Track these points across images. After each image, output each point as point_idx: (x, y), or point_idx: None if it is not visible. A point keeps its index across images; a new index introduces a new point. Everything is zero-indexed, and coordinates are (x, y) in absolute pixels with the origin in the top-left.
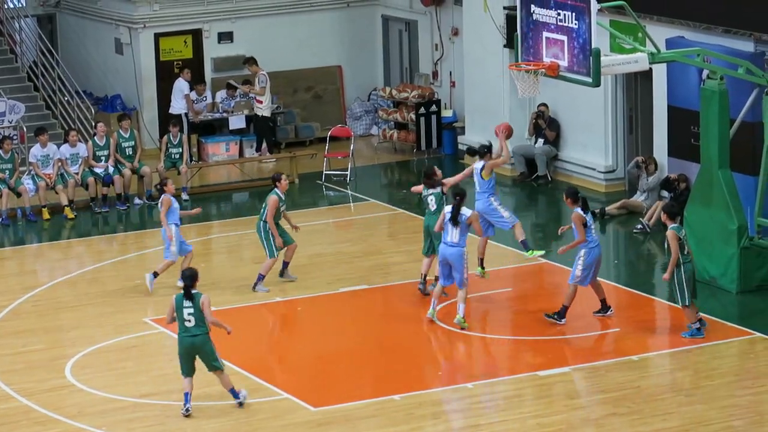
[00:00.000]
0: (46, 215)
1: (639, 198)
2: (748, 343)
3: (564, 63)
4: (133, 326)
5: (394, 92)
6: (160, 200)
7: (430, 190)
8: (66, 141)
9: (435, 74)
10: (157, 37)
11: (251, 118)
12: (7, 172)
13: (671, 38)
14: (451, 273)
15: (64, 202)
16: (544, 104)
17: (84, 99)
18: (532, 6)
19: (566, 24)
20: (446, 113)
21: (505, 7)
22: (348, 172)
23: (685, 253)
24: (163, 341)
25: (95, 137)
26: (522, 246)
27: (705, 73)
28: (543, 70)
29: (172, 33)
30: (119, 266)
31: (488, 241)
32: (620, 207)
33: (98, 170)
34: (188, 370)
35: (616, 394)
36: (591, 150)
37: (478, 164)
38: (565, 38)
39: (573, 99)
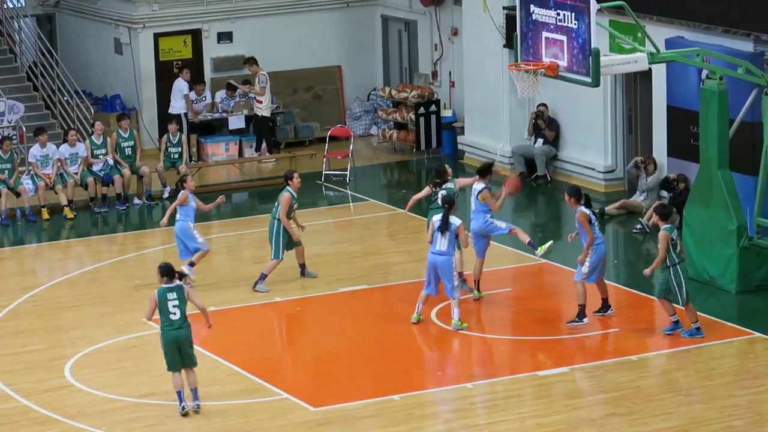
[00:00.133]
0: (45, 215)
1: (638, 198)
2: (747, 343)
3: (563, 63)
4: (133, 326)
5: (393, 92)
6: (177, 197)
7: (444, 186)
8: (65, 141)
9: (434, 74)
10: (157, 37)
11: (251, 118)
12: (7, 172)
13: (671, 38)
14: (436, 281)
15: (64, 202)
16: (544, 104)
17: (83, 99)
18: (532, 6)
19: (566, 24)
20: (446, 113)
21: (504, 7)
22: (347, 172)
23: (678, 252)
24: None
25: (92, 136)
26: (531, 247)
27: (704, 73)
28: (542, 70)
29: (171, 33)
30: (119, 266)
31: (490, 241)
32: (620, 207)
33: (97, 167)
34: (176, 365)
35: (616, 394)
36: (590, 150)
37: (478, 185)
38: (564, 38)
39: (572, 99)
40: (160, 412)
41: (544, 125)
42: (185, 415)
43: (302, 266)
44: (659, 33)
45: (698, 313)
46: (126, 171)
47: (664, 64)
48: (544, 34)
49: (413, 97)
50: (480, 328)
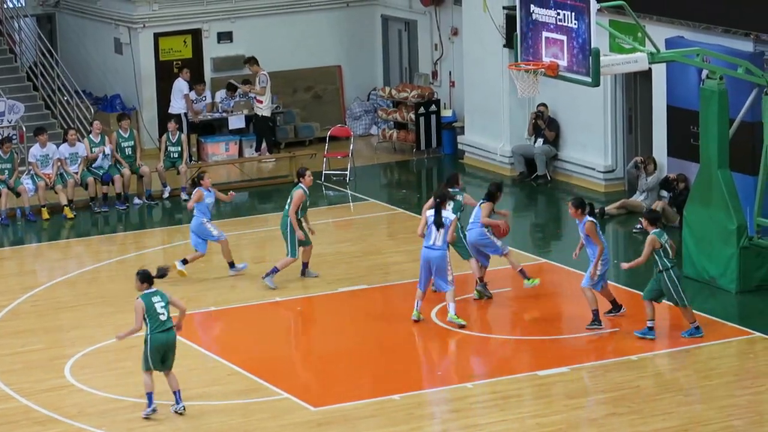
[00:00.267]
0: (45, 215)
1: (638, 198)
2: (747, 342)
3: (563, 63)
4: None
5: (393, 92)
6: (193, 192)
7: (457, 197)
8: (65, 140)
9: (434, 74)
10: (157, 36)
11: (251, 118)
12: (7, 172)
13: (671, 38)
14: (430, 278)
15: (64, 201)
16: (544, 104)
17: (83, 99)
18: (532, 6)
19: (566, 24)
20: (446, 113)
21: (504, 7)
22: (347, 172)
23: (671, 257)
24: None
25: (90, 135)
26: (521, 274)
27: (704, 73)
28: (542, 69)
29: (171, 33)
30: (119, 266)
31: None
32: (620, 207)
33: (98, 163)
34: (155, 366)
35: (616, 393)
36: (590, 150)
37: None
38: (564, 38)
39: (572, 99)
40: (159, 412)
41: (544, 125)
42: (151, 415)
43: (304, 265)
44: (659, 33)
45: (698, 313)
46: (126, 171)
47: (664, 64)
48: (544, 33)
49: (413, 96)
50: (480, 328)
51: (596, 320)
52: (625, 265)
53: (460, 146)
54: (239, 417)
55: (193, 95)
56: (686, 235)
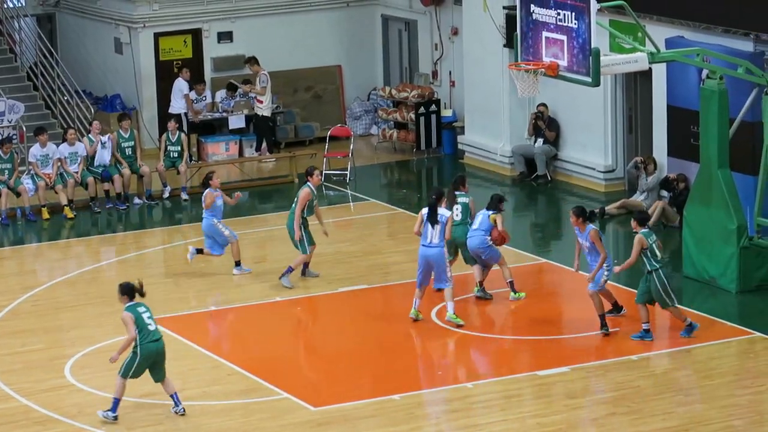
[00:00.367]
0: (45, 215)
1: (638, 198)
2: (747, 342)
3: (563, 63)
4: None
5: (393, 92)
6: (203, 194)
7: (459, 200)
8: (64, 140)
9: (435, 74)
10: (157, 36)
11: (251, 118)
12: (7, 171)
13: (671, 38)
14: (428, 276)
15: (64, 201)
16: (543, 104)
17: (83, 99)
18: (532, 5)
19: (566, 24)
20: (446, 113)
21: (504, 7)
22: (347, 172)
23: (659, 258)
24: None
25: (89, 134)
26: (509, 286)
27: (704, 72)
28: (543, 69)
29: (171, 33)
30: (119, 266)
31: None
32: (620, 207)
33: (97, 160)
34: (137, 375)
35: (616, 393)
36: (590, 150)
37: (489, 212)
38: (564, 38)
39: (573, 99)
40: (160, 412)
41: (545, 126)
42: (110, 420)
43: (305, 265)
44: (659, 33)
45: (699, 313)
46: (126, 170)
47: (665, 64)
48: (545, 33)
49: (413, 96)
50: (480, 328)
51: (604, 325)
52: (617, 269)
53: (460, 146)
54: (239, 417)
55: (193, 95)
56: (686, 235)
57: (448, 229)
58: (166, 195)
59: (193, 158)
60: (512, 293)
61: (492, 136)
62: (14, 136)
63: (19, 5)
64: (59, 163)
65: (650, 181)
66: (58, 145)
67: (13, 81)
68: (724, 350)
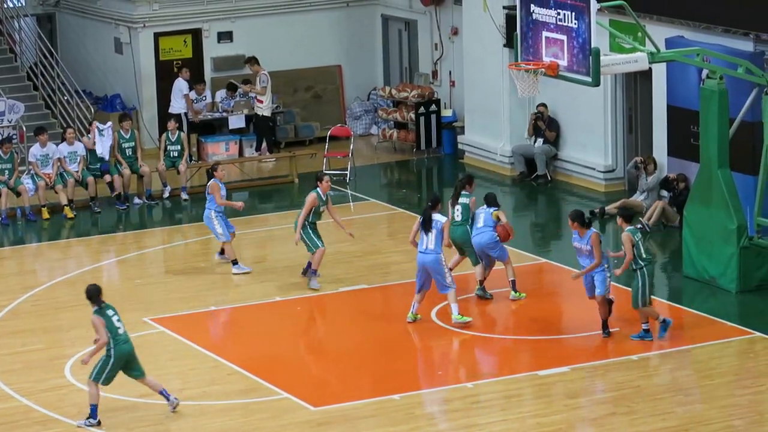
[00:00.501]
0: (45, 215)
1: (638, 198)
2: (747, 342)
3: (563, 62)
4: (133, 326)
5: (393, 92)
6: (208, 185)
7: (461, 200)
8: (63, 139)
9: (435, 74)
10: (157, 36)
11: (251, 118)
12: (7, 171)
13: (671, 38)
14: (428, 281)
15: (64, 201)
16: (543, 104)
17: (83, 98)
18: (532, 5)
19: (566, 23)
20: (446, 113)
21: (504, 7)
22: (348, 172)
23: (644, 256)
24: (163, 341)
25: (89, 134)
26: (511, 285)
27: (704, 72)
28: (543, 69)
29: (171, 32)
30: (119, 266)
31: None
32: (620, 206)
33: (98, 152)
34: (110, 379)
35: (616, 393)
36: (591, 150)
37: (490, 209)
38: (564, 38)
39: (573, 99)
40: (160, 412)
41: (545, 126)
42: (93, 426)
43: (309, 264)
44: (659, 32)
45: (699, 312)
46: (126, 170)
47: (665, 64)
48: (545, 33)
49: (413, 96)
50: (480, 328)
51: (606, 329)
52: (617, 271)
53: (460, 146)
54: (239, 417)
55: (193, 95)
56: (686, 234)
57: (446, 236)
58: (166, 195)
59: (193, 158)
60: (513, 292)
61: (492, 136)
62: (14, 136)
63: (19, 5)
64: (59, 163)
65: (650, 181)
66: (57, 144)
67: (13, 81)
68: (724, 350)
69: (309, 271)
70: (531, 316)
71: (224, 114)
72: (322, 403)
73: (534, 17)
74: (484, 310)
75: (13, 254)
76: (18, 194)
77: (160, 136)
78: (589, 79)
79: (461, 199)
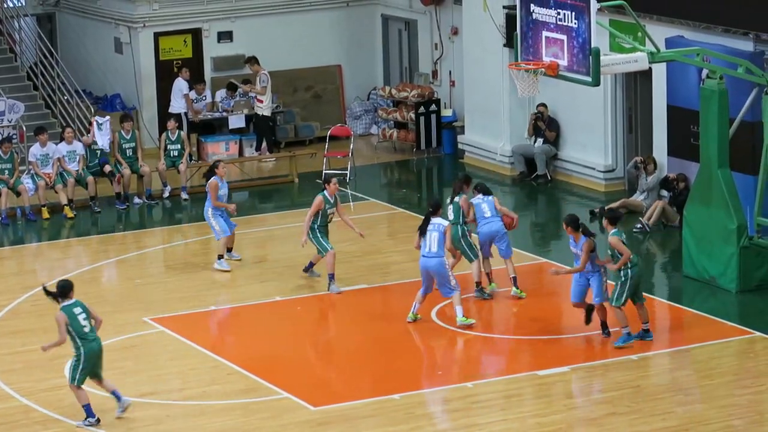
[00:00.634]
0: (45, 214)
1: (638, 197)
2: (747, 342)
3: (564, 62)
4: (133, 326)
5: (393, 92)
6: (207, 183)
7: (455, 200)
8: (62, 139)
9: (435, 73)
10: (157, 36)
11: (251, 118)
12: (7, 171)
13: (671, 38)
14: (432, 284)
15: (64, 201)
16: (543, 104)
17: (83, 98)
18: (532, 5)
19: (566, 23)
20: (446, 113)
21: (504, 7)
22: (348, 172)
23: (630, 258)
24: (163, 340)
25: (88, 134)
26: (512, 281)
27: (704, 72)
28: (543, 69)
29: (171, 32)
30: (118, 266)
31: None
32: (620, 206)
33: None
34: (85, 378)
35: (616, 393)
36: (591, 149)
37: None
38: (564, 37)
39: (573, 99)
40: (160, 412)
41: (545, 126)
42: (94, 424)
43: (311, 264)
44: (659, 32)
45: (699, 312)
46: (126, 170)
47: (665, 64)
48: (545, 33)
49: (413, 96)
50: (480, 328)
51: (605, 330)
52: (613, 267)
53: (460, 146)
54: (239, 417)
55: (193, 95)
56: (686, 234)
57: (448, 239)
58: (166, 195)
59: (193, 158)
60: (514, 288)
61: (492, 136)
62: (14, 136)
63: (19, 5)
64: (59, 163)
65: (650, 180)
66: (57, 144)
67: (13, 81)
68: (724, 350)
69: (310, 268)
70: (531, 316)
71: (224, 114)
72: (322, 402)
73: (534, 17)
74: (485, 310)
75: (13, 254)
76: (18, 194)
77: (160, 135)
78: (589, 79)
79: (456, 198)
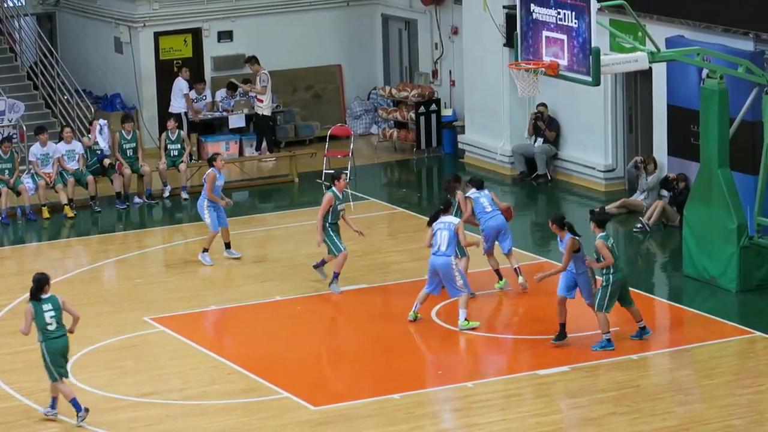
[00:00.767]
0: (45, 214)
1: (638, 197)
2: (747, 342)
3: (564, 62)
4: (133, 325)
5: (393, 91)
6: (205, 174)
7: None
8: (61, 139)
9: (435, 73)
10: (157, 36)
11: (251, 117)
12: (7, 171)
13: (671, 37)
14: (438, 282)
15: (64, 201)
16: (543, 104)
17: (83, 98)
18: (532, 5)
19: (566, 23)
20: (446, 112)
21: (504, 6)
22: (348, 171)
23: (614, 263)
24: (163, 340)
25: (89, 134)
26: (517, 272)
27: (705, 72)
28: (543, 69)
29: (171, 32)
30: (119, 265)
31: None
32: (620, 206)
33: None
34: (64, 372)
35: (616, 393)
36: (591, 149)
37: (486, 191)
38: (564, 37)
39: (573, 98)
40: (160, 412)
41: (545, 126)
42: (86, 416)
43: (323, 262)
44: (659, 32)
45: (699, 312)
46: (126, 170)
47: (665, 63)
48: (545, 33)
49: (413, 96)
50: (480, 328)
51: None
52: (596, 264)
53: (460, 145)
54: (239, 416)
55: (193, 94)
56: (686, 234)
57: (461, 235)
58: (167, 194)
59: (194, 157)
60: (519, 277)
61: (492, 136)
62: (14, 136)
63: (19, 4)
64: (59, 162)
65: (650, 180)
66: (57, 144)
67: (13, 80)
68: (724, 350)
69: (321, 266)
70: (531, 316)
71: (224, 113)
72: (322, 402)
73: (534, 17)
74: (484, 310)
75: (13, 254)
76: (18, 194)
77: (160, 135)
78: (590, 79)
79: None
